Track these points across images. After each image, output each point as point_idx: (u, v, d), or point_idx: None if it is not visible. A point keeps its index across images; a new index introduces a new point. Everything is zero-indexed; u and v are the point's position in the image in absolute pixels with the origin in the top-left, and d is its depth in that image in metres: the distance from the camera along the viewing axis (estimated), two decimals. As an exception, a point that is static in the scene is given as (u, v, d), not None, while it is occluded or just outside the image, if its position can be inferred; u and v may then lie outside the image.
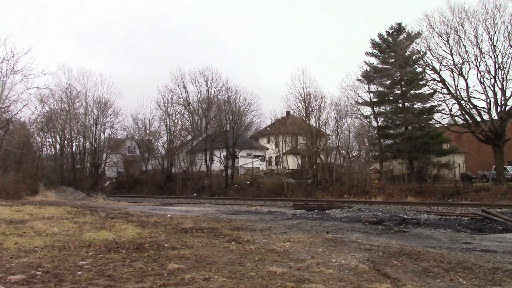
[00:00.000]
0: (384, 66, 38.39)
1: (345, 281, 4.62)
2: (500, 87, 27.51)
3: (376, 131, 38.76)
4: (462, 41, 28.11)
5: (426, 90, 33.98)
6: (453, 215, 14.42)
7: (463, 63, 28.54)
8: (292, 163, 41.25)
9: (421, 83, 34.12)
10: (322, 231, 9.62)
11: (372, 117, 39.13)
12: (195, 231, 9.05)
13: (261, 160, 47.79)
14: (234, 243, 7.42)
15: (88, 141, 48.17)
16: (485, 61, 27.82)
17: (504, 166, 30.50)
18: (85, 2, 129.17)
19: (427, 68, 31.21)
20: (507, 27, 26.70)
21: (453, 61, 28.74)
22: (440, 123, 33.16)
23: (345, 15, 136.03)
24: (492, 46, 27.22)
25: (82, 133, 47.25)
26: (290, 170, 39.47)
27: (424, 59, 31.39)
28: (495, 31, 26.97)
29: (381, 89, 39.28)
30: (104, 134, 48.98)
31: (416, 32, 32.47)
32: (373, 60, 39.55)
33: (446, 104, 30.87)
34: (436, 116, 34.08)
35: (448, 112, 31.26)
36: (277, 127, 41.86)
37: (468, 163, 47.59)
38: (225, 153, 41.88)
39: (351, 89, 38.46)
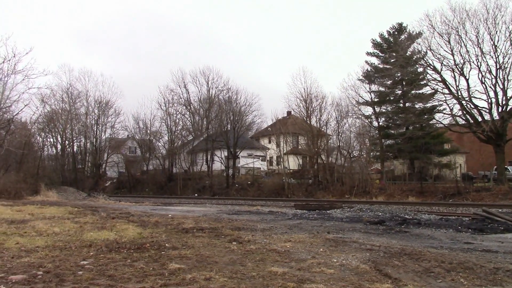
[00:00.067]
0: (385, 66, 38.38)
1: (346, 281, 4.61)
2: (501, 87, 27.49)
3: (377, 131, 38.74)
4: (463, 41, 28.14)
5: (427, 90, 34.02)
6: (454, 215, 14.39)
7: (464, 63, 28.56)
8: (293, 163, 41.25)
9: (422, 83, 34.12)
10: (323, 231, 9.61)
11: (373, 117, 39.14)
12: (196, 231, 9.05)
13: (262, 160, 47.82)
14: (235, 243, 7.42)
15: (89, 141, 48.33)
16: (486, 61, 27.87)
17: (506, 166, 30.45)
18: (85, 2, 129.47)
19: (428, 68, 31.21)
20: (508, 27, 26.72)
21: (454, 61, 28.77)
22: (441, 123, 33.13)
23: (345, 15, 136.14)
24: (493, 46, 27.22)
25: (83, 133, 47.35)
26: (291, 170, 39.46)
27: (425, 59, 31.39)
28: (496, 31, 27.00)
29: (382, 89, 39.28)
30: (105, 134, 49.21)
31: (417, 32, 32.55)
32: (374, 60, 39.62)
33: (447, 104, 30.92)
34: (437, 116, 34.11)
35: (449, 112, 31.28)
36: (278, 127, 41.86)
37: (469, 163, 47.53)
38: (226, 153, 41.90)
39: (352, 89, 38.47)
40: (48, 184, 32.91)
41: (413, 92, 35.64)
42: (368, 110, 39.34)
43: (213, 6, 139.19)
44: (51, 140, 46.26)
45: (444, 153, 38.54)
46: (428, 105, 34.29)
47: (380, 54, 39.18)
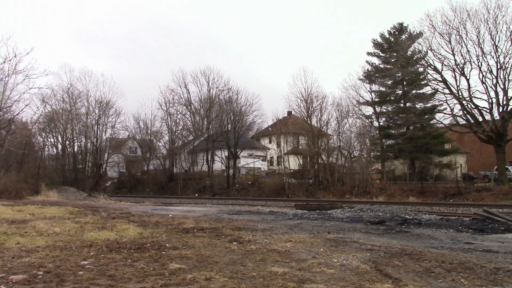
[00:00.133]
0: (385, 66, 38.37)
1: (346, 281, 4.61)
2: (502, 87, 27.48)
3: (377, 131, 38.74)
4: (464, 41, 28.13)
5: (427, 90, 34.03)
6: (454, 215, 14.38)
7: (464, 63, 28.55)
8: (293, 163, 41.23)
9: (422, 83, 34.13)
10: (323, 231, 9.61)
11: (373, 117, 39.14)
12: (196, 231, 9.06)
13: (262, 160, 47.81)
14: (236, 243, 7.43)
15: (89, 141, 48.34)
16: (487, 61, 27.86)
17: (506, 166, 30.42)
18: (85, 2, 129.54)
19: (428, 68, 31.19)
20: (509, 26, 26.71)
21: (455, 61, 28.76)
22: (442, 123, 33.12)
23: (345, 15, 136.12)
24: (494, 46, 27.21)
25: (84, 133, 47.37)
26: (291, 170, 39.45)
27: (425, 59, 31.37)
28: (497, 31, 26.98)
29: (382, 89, 39.28)
30: (105, 134, 49.20)
31: (417, 32, 32.52)
32: (375, 60, 39.64)
33: (448, 104, 30.92)
34: (438, 116, 34.14)
35: (450, 112, 31.27)
36: (278, 127, 41.84)
37: (469, 163, 47.52)
38: (226, 153, 41.90)
39: (352, 89, 38.48)
40: (48, 184, 32.92)
41: (413, 92, 35.62)
42: (369, 110, 39.43)
43: (213, 6, 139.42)
44: (52, 140, 46.31)
45: (445, 153, 38.52)
46: (429, 105, 34.32)
47: (381, 54, 39.19)
